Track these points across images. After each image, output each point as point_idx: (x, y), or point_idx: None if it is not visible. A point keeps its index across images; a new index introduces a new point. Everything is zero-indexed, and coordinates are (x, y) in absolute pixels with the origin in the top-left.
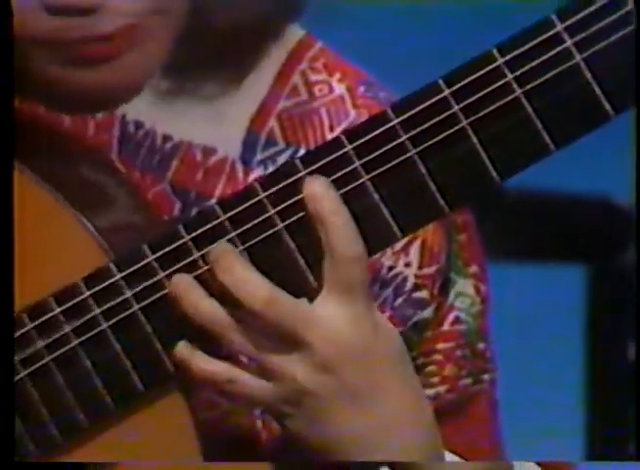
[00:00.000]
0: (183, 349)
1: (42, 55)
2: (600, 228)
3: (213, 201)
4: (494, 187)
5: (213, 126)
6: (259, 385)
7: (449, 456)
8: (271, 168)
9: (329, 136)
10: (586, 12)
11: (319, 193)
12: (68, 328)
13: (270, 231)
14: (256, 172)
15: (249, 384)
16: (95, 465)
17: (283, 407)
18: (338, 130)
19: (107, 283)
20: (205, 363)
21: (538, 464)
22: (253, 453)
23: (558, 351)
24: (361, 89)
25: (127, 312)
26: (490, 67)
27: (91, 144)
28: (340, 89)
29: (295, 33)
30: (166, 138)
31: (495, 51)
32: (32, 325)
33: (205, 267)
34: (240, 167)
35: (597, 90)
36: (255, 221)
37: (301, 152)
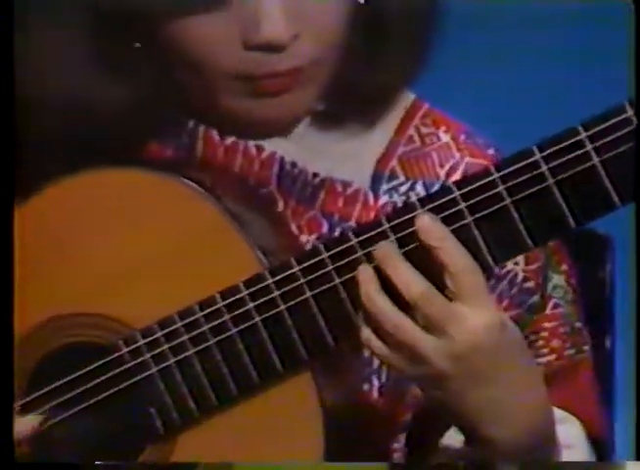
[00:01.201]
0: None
1: (229, 86)
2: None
3: (352, 223)
4: (571, 231)
5: (349, 165)
6: (404, 362)
7: (559, 412)
8: (395, 196)
9: (440, 172)
10: None
11: (428, 225)
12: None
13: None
14: (383, 199)
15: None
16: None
17: (424, 382)
18: (446, 168)
19: (260, 286)
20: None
21: None
22: (371, 422)
23: None
24: (462, 137)
25: (276, 310)
26: (574, 139)
27: (256, 178)
28: (445, 138)
29: (409, 97)
30: (315, 175)
31: (580, 127)
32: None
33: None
34: (370, 196)
35: None
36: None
37: (418, 184)
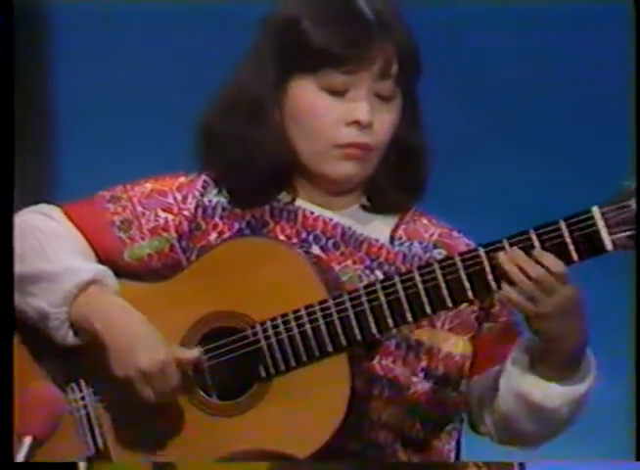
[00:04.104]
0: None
1: (328, 152)
2: None
3: (382, 259)
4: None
5: (378, 231)
6: (527, 304)
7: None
8: (403, 247)
9: (425, 235)
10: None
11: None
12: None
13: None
14: (396, 249)
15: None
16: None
17: (534, 317)
18: (428, 234)
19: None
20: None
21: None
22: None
23: None
24: (434, 220)
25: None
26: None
27: (330, 234)
28: (425, 221)
29: None
30: (361, 234)
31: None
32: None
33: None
34: (390, 247)
35: None
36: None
37: (414, 242)
